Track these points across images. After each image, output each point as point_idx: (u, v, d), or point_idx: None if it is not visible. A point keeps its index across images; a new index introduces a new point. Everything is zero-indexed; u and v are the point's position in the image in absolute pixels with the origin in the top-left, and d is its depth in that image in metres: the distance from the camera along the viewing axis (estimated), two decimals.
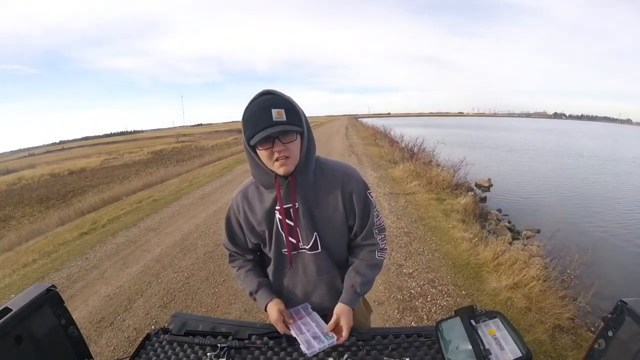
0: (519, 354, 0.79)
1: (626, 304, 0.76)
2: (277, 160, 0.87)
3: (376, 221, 1.04)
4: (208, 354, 0.95)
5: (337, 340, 0.93)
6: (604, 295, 3.18)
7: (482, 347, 0.82)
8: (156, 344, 1.02)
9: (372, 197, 1.02)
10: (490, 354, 0.81)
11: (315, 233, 0.98)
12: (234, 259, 1.12)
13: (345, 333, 0.94)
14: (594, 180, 11.10)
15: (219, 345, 0.97)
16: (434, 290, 2.85)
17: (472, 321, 0.90)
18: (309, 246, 1.00)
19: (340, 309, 0.98)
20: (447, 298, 2.73)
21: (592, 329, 2.42)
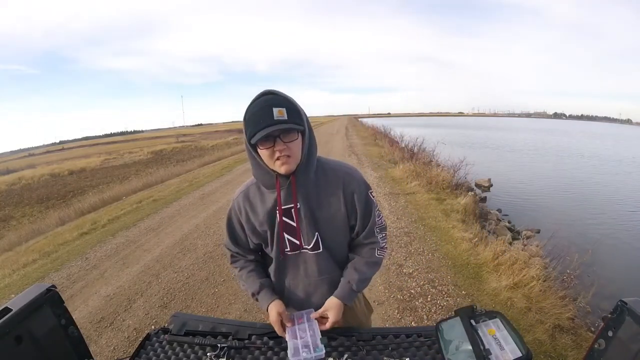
0: (519, 354, 0.79)
1: (626, 304, 0.76)
2: (278, 159, 0.86)
3: (378, 220, 1.03)
4: (208, 354, 0.95)
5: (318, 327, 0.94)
6: (604, 295, 3.18)
7: (482, 347, 0.82)
8: (156, 344, 1.02)
9: (373, 197, 1.02)
10: (490, 354, 0.81)
11: (316, 233, 0.98)
12: (235, 260, 1.12)
13: (328, 325, 0.95)
14: (594, 180, 11.09)
15: (219, 345, 0.97)
16: (434, 290, 2.85)
17: (472, 321, 0.90)
18: (310, 246, 0.99)
19: (330, 302, 0.99)
20: (447, 298, 2.73)
21: (592, 329, 2.42)
